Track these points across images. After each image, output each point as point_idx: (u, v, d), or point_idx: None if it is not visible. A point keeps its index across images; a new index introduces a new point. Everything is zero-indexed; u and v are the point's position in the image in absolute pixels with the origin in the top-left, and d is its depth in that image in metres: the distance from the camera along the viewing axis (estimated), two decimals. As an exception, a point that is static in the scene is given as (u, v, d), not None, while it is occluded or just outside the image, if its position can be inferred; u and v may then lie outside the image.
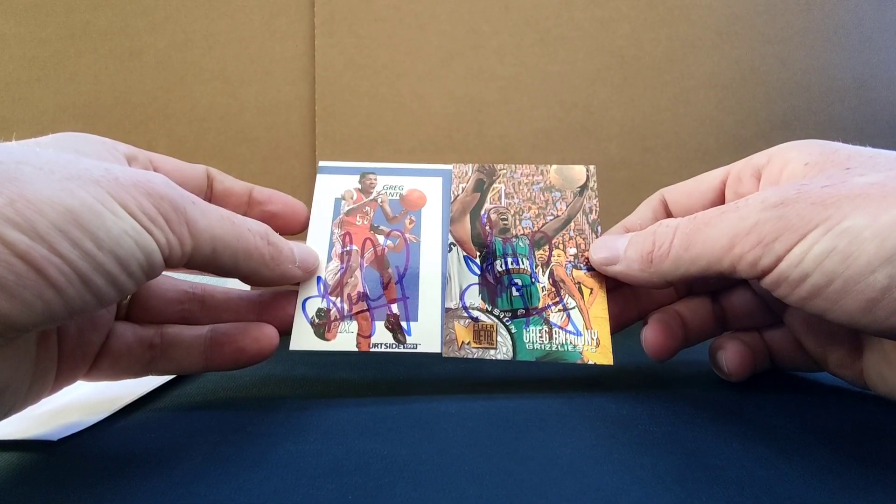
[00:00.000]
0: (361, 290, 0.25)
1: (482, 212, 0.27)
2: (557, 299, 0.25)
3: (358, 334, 0.24)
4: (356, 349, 0.24)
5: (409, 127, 0.42)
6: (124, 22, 0.41)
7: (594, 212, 0.27)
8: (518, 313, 0.25)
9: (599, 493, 0.16)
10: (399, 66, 0.42)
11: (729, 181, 0.24)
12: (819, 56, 0.44)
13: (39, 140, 0.19)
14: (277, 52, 0.42)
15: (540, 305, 0.25)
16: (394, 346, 0.24)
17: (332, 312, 0.25)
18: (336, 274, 0.26)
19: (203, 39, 0.42)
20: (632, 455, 0.18)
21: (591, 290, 0.25)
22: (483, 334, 0.25)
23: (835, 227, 0.16)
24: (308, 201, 0.27)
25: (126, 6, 0.41)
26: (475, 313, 0.25)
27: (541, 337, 0.24)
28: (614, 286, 0.26)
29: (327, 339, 0.24)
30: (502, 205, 0.28)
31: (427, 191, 0.28)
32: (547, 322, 0.25)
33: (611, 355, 0.24)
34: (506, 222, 0.27)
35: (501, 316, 0.25)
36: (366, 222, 0.27)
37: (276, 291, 0.26)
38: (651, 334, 0.25)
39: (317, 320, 0.24)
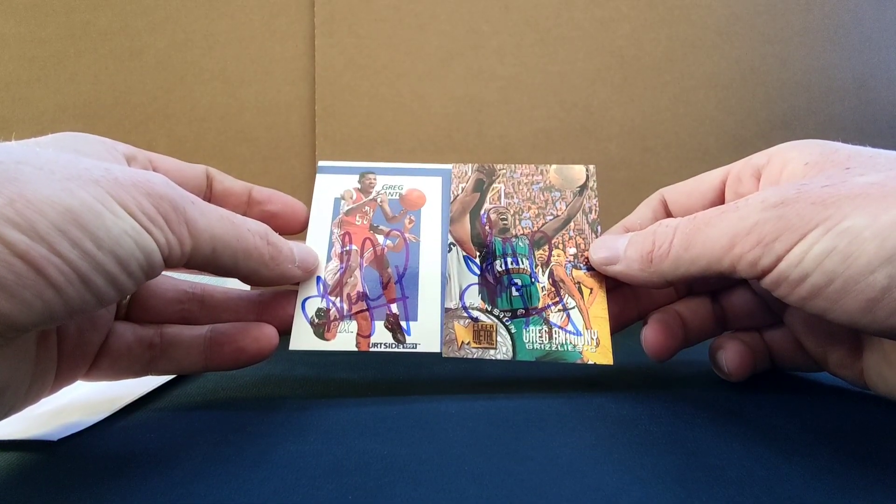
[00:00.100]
0: (361, 290, 0.25)
1: (482, 212, 0.27)
2: (557, 299, 0.25)
3: (357, 334, 0.24)
4: (356, 349, 0.24)
5: (409, 127, 0.42)
6: (124, 22, 0.41)
7: (594, 212, 0.27)
8: (518, 313, 0.25)
9: (599, 493, 0.16)
10: (399, 66, 0.42)
11: (729, 181, 0.24)
12: (819, 56, 0.44)
13: (39, 140, 0.19)
14: (277, 52, 0.42)
15: (540, 305, 0.25)
16: (393, 345, 0.24)
17: (331, 312, 0.25)
18: (336, 274, 0.25)
19: (203, 39, 0.42)
20: (632, 455, 0.18)
21: (591, 289, 0.25)
22: (483, 334, 0.24)
23: (835, 227, 0.16)
24: (308, 201, 0.27)
25: (126, 6, 0.41)
26: (475, 313, 0.25)
27: (541, 337, 0.24)
28: (614, 286, 0.26)
29: (327, 339, 0.24)
30: (502, 205, 0.28)
31: (427, 190, 0.28)
32: (547, 322, 0.25)
33: (611, 355, 0.24)
34: (505, 222, 0.27)
35: (501, 316, 0.25)
36: (365, 222, 0.27)
37: (276, 291, 0.26)
38: (651, 334, 0.25)
39: (316, 320, 0.24)
